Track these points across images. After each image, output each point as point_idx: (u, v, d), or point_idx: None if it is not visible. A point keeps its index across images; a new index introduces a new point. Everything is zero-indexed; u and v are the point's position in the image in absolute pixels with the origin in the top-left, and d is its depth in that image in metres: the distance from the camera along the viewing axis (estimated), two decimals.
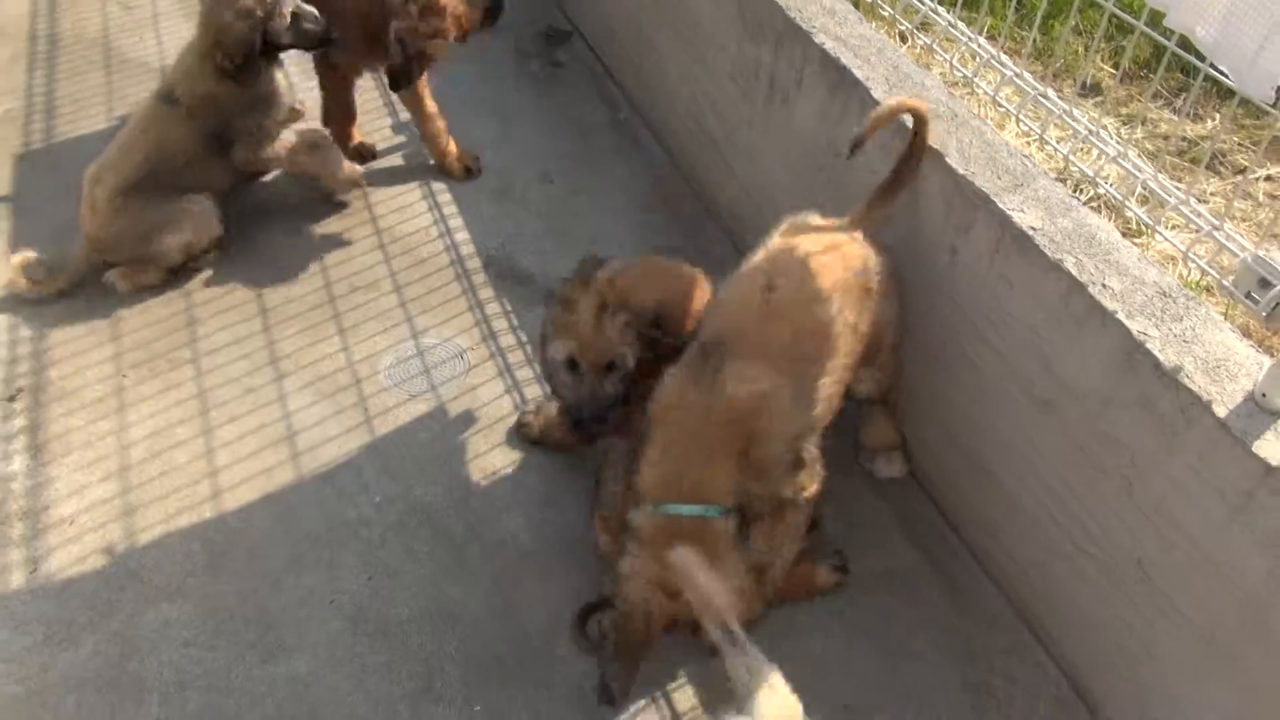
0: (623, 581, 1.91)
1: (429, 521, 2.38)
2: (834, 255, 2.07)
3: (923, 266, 2.24)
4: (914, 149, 2.13)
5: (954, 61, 2.50)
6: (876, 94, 2.30)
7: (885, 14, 2.75)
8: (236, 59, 2.69)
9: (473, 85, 3.79)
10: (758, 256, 2.16)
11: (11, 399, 2.60)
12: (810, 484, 2.03)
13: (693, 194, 3.36)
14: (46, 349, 2.74)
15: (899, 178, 2.16)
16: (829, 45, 2.46)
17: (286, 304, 2.91)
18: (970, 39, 2.36)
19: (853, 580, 2.27)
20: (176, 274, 2.93)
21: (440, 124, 3.27)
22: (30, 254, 2.79)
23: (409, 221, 3.22)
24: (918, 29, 2.61)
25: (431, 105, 3.22)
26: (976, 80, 2.40)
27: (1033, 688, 2.10)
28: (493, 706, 2.05)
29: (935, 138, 2.15)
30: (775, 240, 2.18)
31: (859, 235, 2.14)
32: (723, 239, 3.19)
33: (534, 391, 2.68)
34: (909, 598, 2.25)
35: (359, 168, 3.20)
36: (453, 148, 3.34)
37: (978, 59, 2.37)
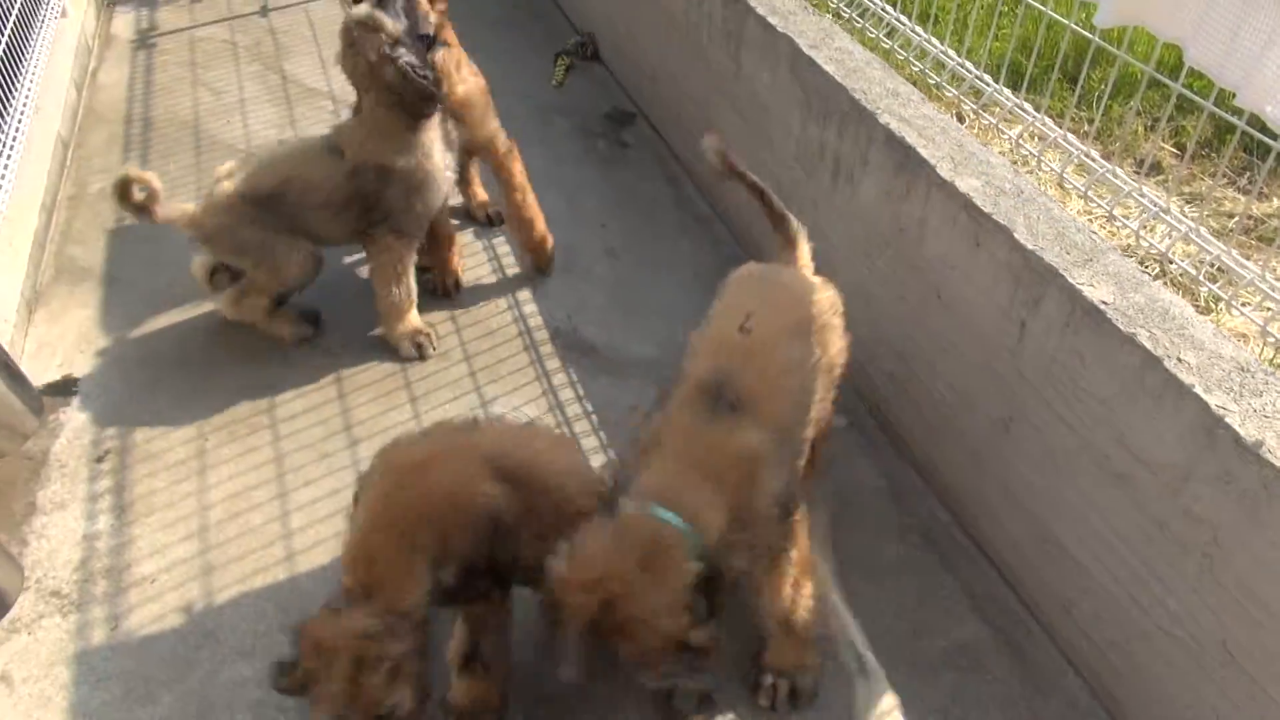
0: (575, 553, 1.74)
1: None
2: (801, 291, 2.14)
3: (988, 339, 2.25)
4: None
5: (1018, 139, 2.55)
6: (942, 171, 2.34)
7: (949, 95, 2.81)
8: (400, 89, 2.71)
9: (542, 164, 3.92)
10: (727, 297, 2.18)
11: (99, 460, 2.71)
12: (801, 535, 2.00)
13: None
14: (133, 413, 2.86)
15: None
16: (893, 125, 2.52)
17: (360, 372, 3.00)
18: (1036, 118, 2.41)
19: (922, 657, 2.23)
20: (271, 315, 3.01)
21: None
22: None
23: (479, 294, 3.32)
24: (981, 109, 2.67)
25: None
26: (1043, 158, 2.44)
27: None
28: None
29: (1001, 215, 2.18)
30: (736, 284, 2.22)
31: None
32: None
33: (599, 460, 2.71)
34: (981, 676, 2.21)
35: (421, 327, 3.08)
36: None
37: (1042, 139, 2.41)
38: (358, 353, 3.07)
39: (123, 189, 2.78)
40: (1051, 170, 2.45)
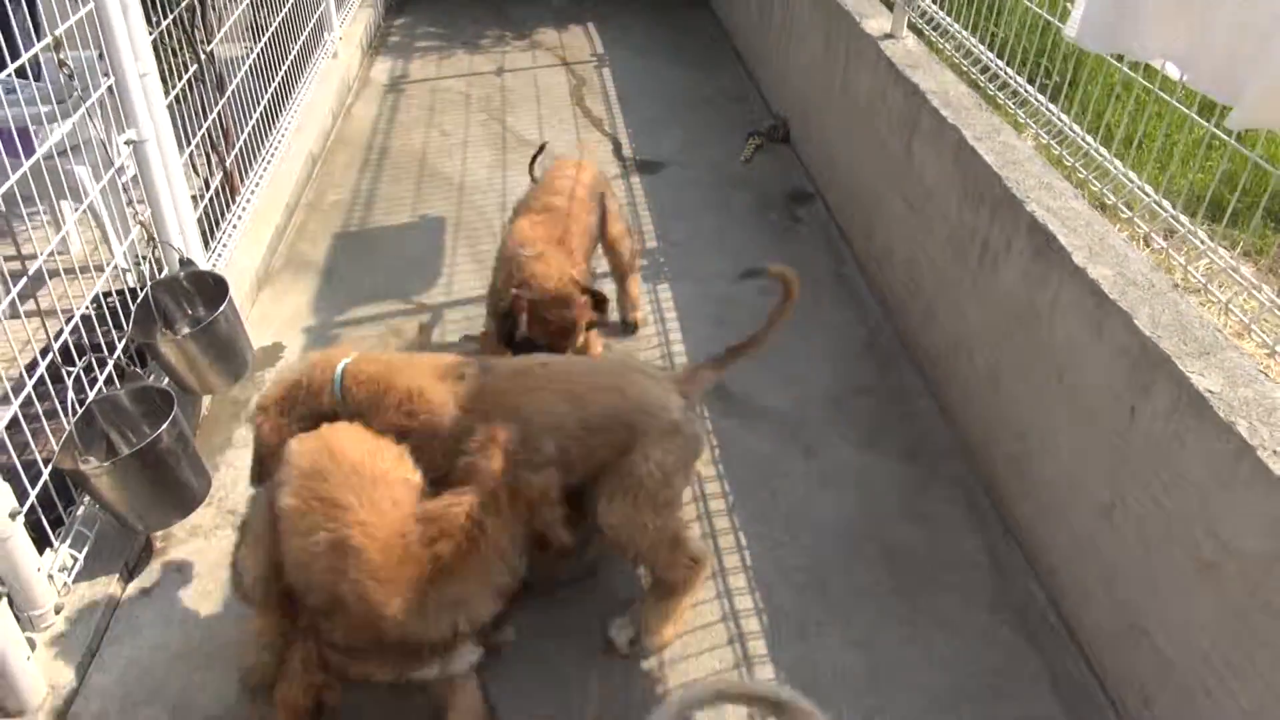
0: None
1: None
2: None
3: (1100, 423, 2.30)
4: (782, 309, 2.52)
5: (1186, 265, 2.42)
6: (1077, 260, 2.44)
7: (1124, 215, 2.62)
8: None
9: (716, 228, 4.23)
10: None
11: None
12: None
13: (899, 343, 3.53)
14: None
15: (755, 339, 2.54)
16: (1039, 214, 2.63)
17: None
18: (1211, 247, 2.29)
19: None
20: None
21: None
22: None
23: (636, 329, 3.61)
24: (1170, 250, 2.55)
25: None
26: (1210, 287, 2.31)
27: None
28: None
29: (1126, 303, 2.26)
30: None
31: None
32: (919, 384, 3.32)
33: (714, 488, 2.89)
34: None
35: None
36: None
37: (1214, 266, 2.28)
38: None
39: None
40: (1215, 297, 2.31)
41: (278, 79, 4.44)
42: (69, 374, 2.39)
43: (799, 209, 4.43)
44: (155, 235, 2.87)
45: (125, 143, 2.75)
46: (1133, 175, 2.58)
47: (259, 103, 4.16)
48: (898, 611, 2.53)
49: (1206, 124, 2.28)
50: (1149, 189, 2.53)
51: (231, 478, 2.90)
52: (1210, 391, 1.98)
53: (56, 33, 2.38)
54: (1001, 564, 2.67)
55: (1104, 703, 2.30)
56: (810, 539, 2.74)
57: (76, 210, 3.23)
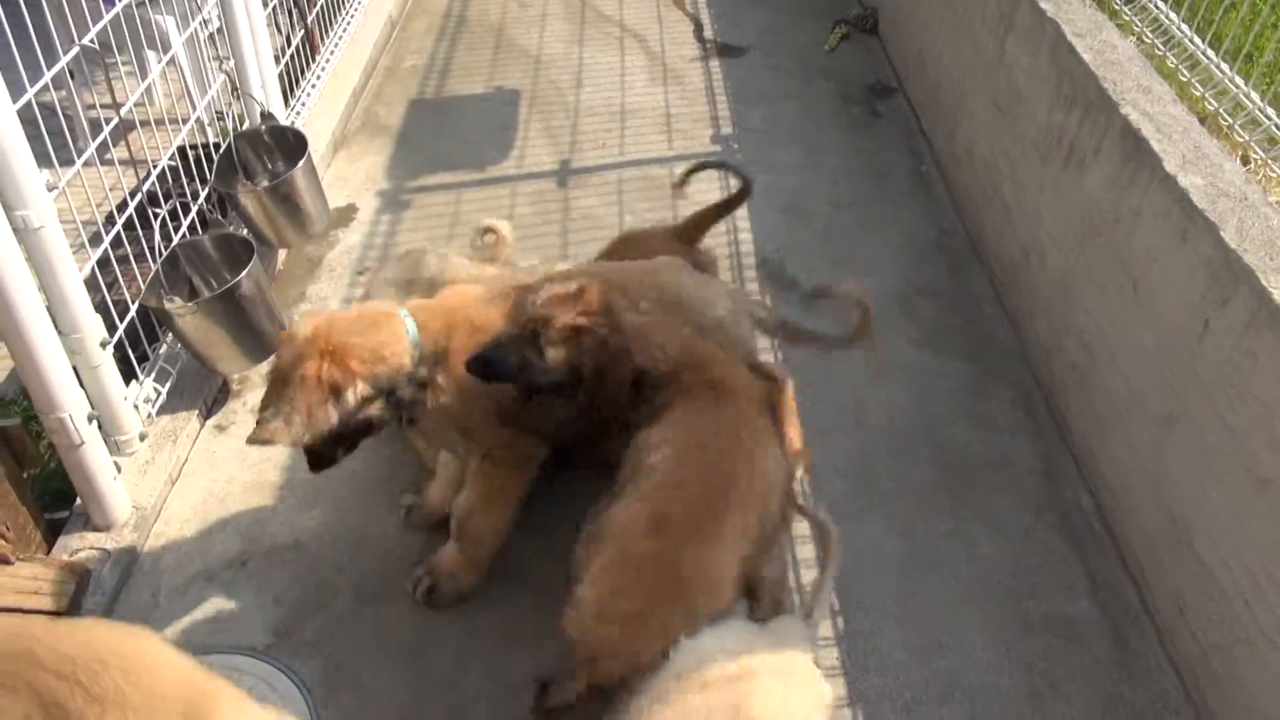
0: None
1: None
2: None
3: (1172, 336, 2.26)
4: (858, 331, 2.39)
5: None
6: (1169, 166, 2.35)
7: (1239, 139, 2.55)
8: None
9: (794, 118, 4.14)
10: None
11: (360, 273, 3.21)
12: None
13: (970, 246, 3.47)
14: (394, 243, 3.35)
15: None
16: (1134, 117, 2.53)
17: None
18: None
19: (1024, 616, 2.30)
20: None
21: None
22: None
23: None
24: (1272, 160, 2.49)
25: None
26: None
27: None
28: None
29: (1215, 213, 2.18)
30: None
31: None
32: (988, 289, 3.28)
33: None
34: (1078, 649, 2.25)
35: None
36: None
37: None
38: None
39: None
40: None
41: None
42: (155, 216, 2.47)
43: (880, 103, 4.30)
44: (240, 86, 2.92)
45: None
46: (1239, 80, 2.47)
47: None
48: (942, 506, 2.56)
49: None
50: (1255, 95, 2.42)
51: None
52: None
53: None
54: (1053, 470, 2.67)
55: (1138, 608, 2.33)
56: (863, 432, 2.77)
57: (162, 60, 3.28)
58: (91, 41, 2.14)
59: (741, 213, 3.61)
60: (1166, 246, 2.33)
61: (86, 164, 2.18)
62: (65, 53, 2.12)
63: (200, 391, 2.68)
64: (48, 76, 2.03)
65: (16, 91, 1.87)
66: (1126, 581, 2.39)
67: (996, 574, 2.40)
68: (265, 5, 3.14)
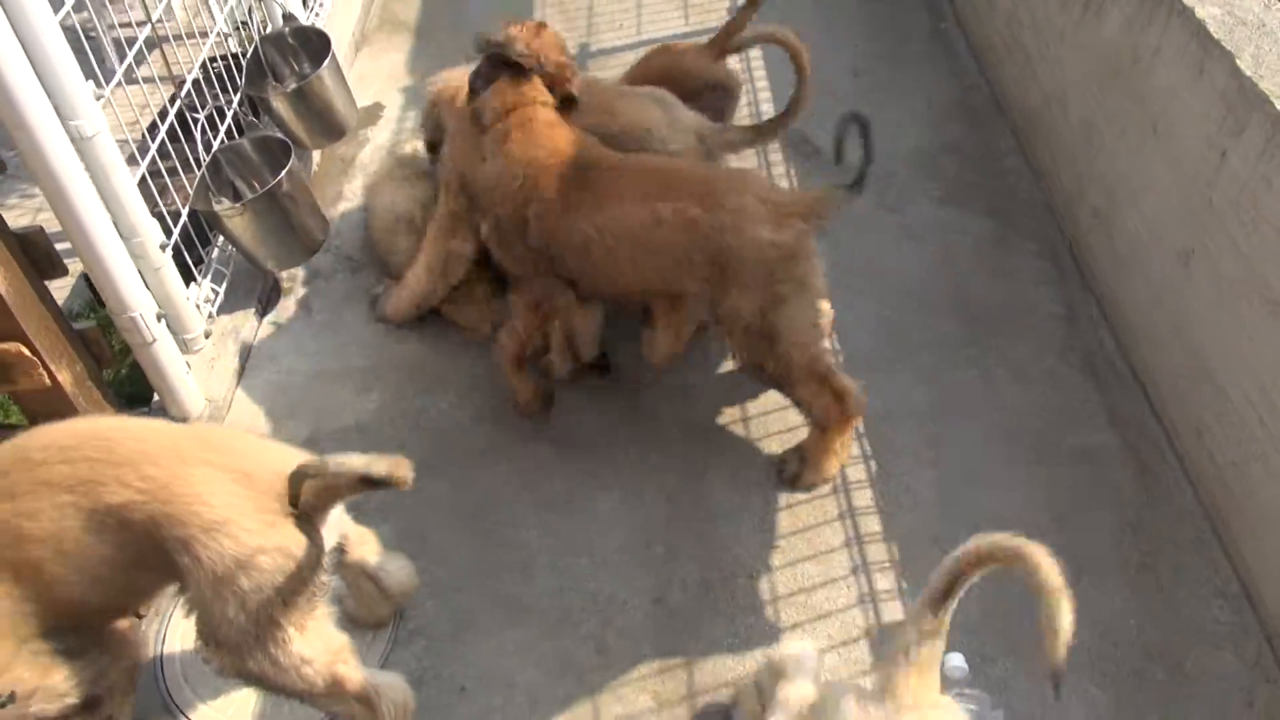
0: None
1: None
2: None
3: (1189, 170, 2.30)
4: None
5: None
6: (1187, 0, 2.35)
7: None
8: None
9: None
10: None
11: None
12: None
13: (993, 100, 3.47)
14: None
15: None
16: None
17: None
18: None
19: (1047, 452, 2.42)
20: None
21: None
22: None
23: None
24: None
25: None
26: None
27: (1200, 580, 2.17)
28: None
29: (1232, 43, 2.19)
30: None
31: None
32: (1011, 143, 3.30)
33: None
34: (1100, 477, 2.37)
35: None
36: None
37: None
38: None
39: None
40: None
41: None
42: (195, 122, 2.57)
43: None
44: None
45: None
46: None
47: None
48: (968, 354, 2.66)
49: None
50: None
51: (343, 228, 3.12)
52: None
53: None
54: (1076, 314, 2.75)
55: (1159, 435, 2.43)
56: (888, 290, 2.85)
57: None
58: None
59: (762, 82, 3.63)
60: (1184, 81, 2.34)
61: (116, 82, 2.27)
62: None
63: (253, 291, 2.83)
64: None
65: None
66: (1148, 413, 2.49)
67: (1022, 414, 2.51)
68: None
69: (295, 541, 1.54)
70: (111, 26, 3.58)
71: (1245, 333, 2.12)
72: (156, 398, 2.49)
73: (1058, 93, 3.02)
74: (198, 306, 2.59)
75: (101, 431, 1.55)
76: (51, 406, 2.26)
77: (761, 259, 2.08)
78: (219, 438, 1.61)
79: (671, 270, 2.15)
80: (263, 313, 2.85)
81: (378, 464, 1.53)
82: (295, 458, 1.63)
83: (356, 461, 1.53)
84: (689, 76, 2.69)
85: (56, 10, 1.95)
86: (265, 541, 1.51)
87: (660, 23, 3.95)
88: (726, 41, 2.78)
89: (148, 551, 1.49)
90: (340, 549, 1.79)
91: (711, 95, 2.72)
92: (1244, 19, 2.26)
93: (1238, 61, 2.15)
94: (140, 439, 1.53)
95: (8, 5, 1.80)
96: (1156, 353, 2.48)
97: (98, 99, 2.07)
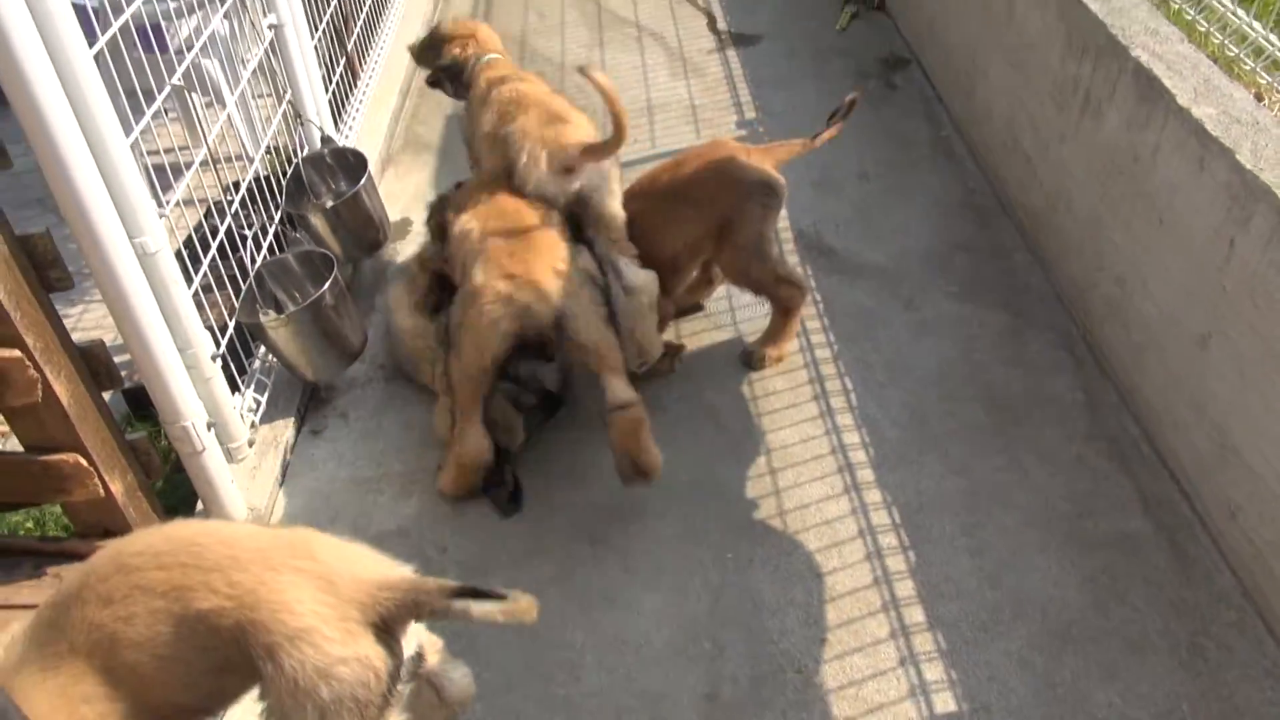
0: None
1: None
2: None
3: (1199, 258, 2.40)
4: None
5: None
6: (1181, 100, 2.49)
7: (1247, 68, 2.68)
8: None
9: (814, 97, 4.30)
10: None
11: None
12: None
13: (997, 201, 3.62)
14: None
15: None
16: (1144, 59, 2.67)
17: None
18: None
19: (1083, 535, 2.45)
20: None
21: None
22: None
23: None
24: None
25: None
26: None
27: (1249, 661, 2.17)
28: None
29: (1230, 139, 2.32)
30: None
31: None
32: (1017, 240, 3.43)
33: (819, 339, 3.09)
34: (1137, 561, 2.39)
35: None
36: None
37: None
38: None
39: None
40: None
41: None
42: (243, 240, 2.68)
43: (895, 75, 4.45)
44: (302, 113, 3.13)
45: (269, 27, 2.98)
46: (1240, 13, 2.61)
47: None
48: (994, 444, 2.72)
49: None
50: (1258, 25, 2.56)
51: (377, 338, 3.20)
52: None
53: None
54: (1096, 401, 2.82)
55: (1192, 518, 2.47)
56: (911, 382, 2.93)
57: (214, 103, 3.50)
58: (179, 82, 2.35)
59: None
60: (1186, 176, 2.47)
61: (174, 201, 2.39)
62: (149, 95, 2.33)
63: (294, 400, 2.89)
64: (148, 116, 2.24)
65: None
66: (1178, 495, 2.53)
67: (1052, 500, 2.55)
68: (312, 36, 3.35)
69: (375, 653, 1.56)
70: (154, 151, 3.74)
71: (1272, 411, 2.18)
72: (199, 507, 2.52)
73: (1061, 191, 3.16)
74: (242, 416, 2.65)
75: (193, 536, 1.59)
76: (103, 518, 2.30)
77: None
78: (305, 542, 1.64)
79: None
80: (301, 422, 2.90)
81: (505, 608, 1.56)
82: (379, 562, 1.66)
83: (483, 610, 1.56)
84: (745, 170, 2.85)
85: (128, 134, 2.07)
86: (346, 652, 1.53)
87: (673, 136, 4.13)
88: (772, 157, 2.95)
89: (234, 657, 1.51)
90: (419, 656, 1.80)
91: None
92: (1238, 117, 2.40)
93: (1238, 157, 2.28)
94: (230, 544, 1.57)
95: (87, 129, 1.92)
96: (1181, 436, 2.54)
97: (161, 217, 2.18)
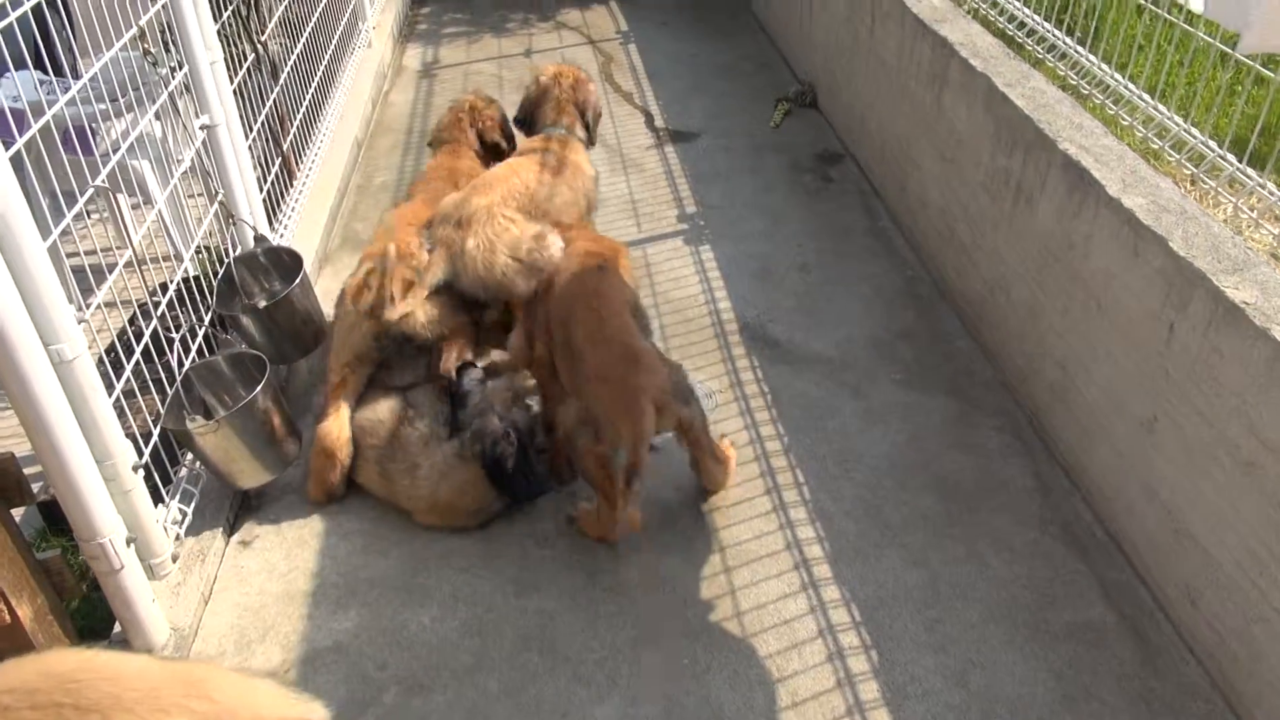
0: None
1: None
2: None
3: (1140, 342, 2.43)
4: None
5: (1238, 205, 2.51)
6: (1110, 190, 2.56)
7: (1171, 160, 2.72)
8: None
9: (752, 191, 4.37)
10: None
11: None
12: None
13: (936, 289, 3.67)
14: None
15: None
16: (1072, 151, 2.75)
17: None
18: (1259, 182, 2.42)
19: (1046, 627, 2.40)
20: None
21: None
22: None
23: (681, 289, 3.75)
24: (1203, 175, 2.65)
25: None
26: (1261, 223, 2.45)
27: None
28: None
29: (1162, 228, 2.38)
30: None
31: None
32: (959, 326, 3.46)
33: (769, 430, 3.04)
34: (1102, 652, 2.34)
35: None
36: None
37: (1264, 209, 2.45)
38: None
39: None
40: (1270, 235, 2.51)
41: (321, 69, 4.60)
42: (169, 343, 2.56)
43: (831, 169, 4.55)
44: (235, 213, 3.05)
45: (201, 127, 2.92)
46: (1161, 107, 2.70)
47: (306, 92, 4.33)
48: (950, 533, 2.67)
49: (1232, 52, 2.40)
50: (1179, 119, 2.65)
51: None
52: (1245, 303, 2.11)
53: (140, 23, 2.54)
54: (1047, 486, 2.80)
55: (1152, 605, 2.44)
56: (863, 472, 2.89)
57: (157, 202, 3.40)
58: (103, 182, 2.27)
59: (717, 282, 3.79)
60: (1121, 263, 2.51)
61: (96, 305, 2.28)
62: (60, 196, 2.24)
63: (222, 510, 2.74)
64: (68, 219, 2.15)
65: None
66: (1136, 582, 2.50)
67: (1013, 590, 2.50)
68: (247, 136, 3.29)
69: None
70: (74, 254, 3.62)
71: (1222, 495, 2.18)
72: (117, 628, 2.34)
73: (998, 279, 3.21)
74: (165, 529, 2.49)
75: (73, 671, 1.43)
76: (8, 645, 2.11)
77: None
78: (203, 679, 1.49)
79: None
80: (231, 531, 2.75)
81: None
82: (285, 699, 1.52)
83: None
84: None
85: (46, 236, 1.97)
86: None
87: (615, 230, 4.14)
88: None
89: None
90: None
91: None
92: (1167, 206, 2.47)
93: (1170, 244, 2.33)
94: (114, 681, 1.41)
95: None
96: (1134, 520, 2.53)
97: (80, 322, 2.06)
